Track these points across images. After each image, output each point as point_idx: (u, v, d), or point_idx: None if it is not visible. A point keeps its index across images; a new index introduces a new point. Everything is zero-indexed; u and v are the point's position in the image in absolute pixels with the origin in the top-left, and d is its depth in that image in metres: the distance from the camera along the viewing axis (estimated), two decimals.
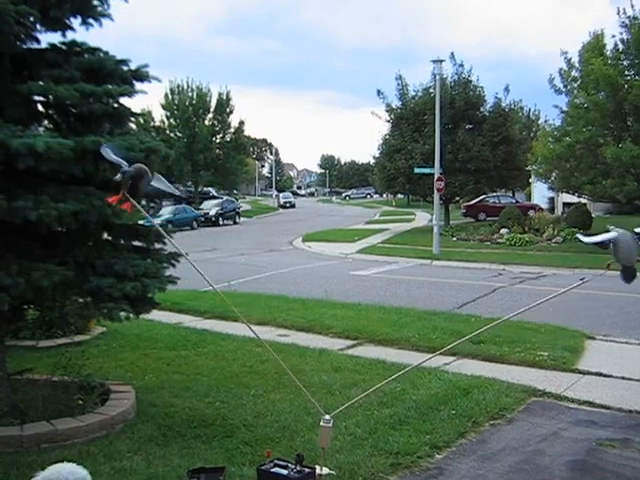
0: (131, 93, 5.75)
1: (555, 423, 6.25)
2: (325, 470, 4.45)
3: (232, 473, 4.63)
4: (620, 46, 24.41)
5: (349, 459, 4.94)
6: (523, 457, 5.35)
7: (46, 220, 4.75)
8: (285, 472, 4.20)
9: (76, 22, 6.02)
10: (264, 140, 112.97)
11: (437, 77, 26.76)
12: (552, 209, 41.95)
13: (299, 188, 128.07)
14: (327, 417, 4.55)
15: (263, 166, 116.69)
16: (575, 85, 25.56)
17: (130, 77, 5.90)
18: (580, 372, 8.11)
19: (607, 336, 10.37)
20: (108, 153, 4.72)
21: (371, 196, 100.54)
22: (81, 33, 6.11)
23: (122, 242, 6.11)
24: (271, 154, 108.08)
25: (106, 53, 5.94)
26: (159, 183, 5.12)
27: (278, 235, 34.82)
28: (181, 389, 6.81)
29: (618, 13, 24.38)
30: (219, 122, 53.59)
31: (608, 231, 4.61)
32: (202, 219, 41.10)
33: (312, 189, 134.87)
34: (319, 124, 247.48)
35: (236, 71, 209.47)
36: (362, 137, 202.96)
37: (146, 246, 6.20)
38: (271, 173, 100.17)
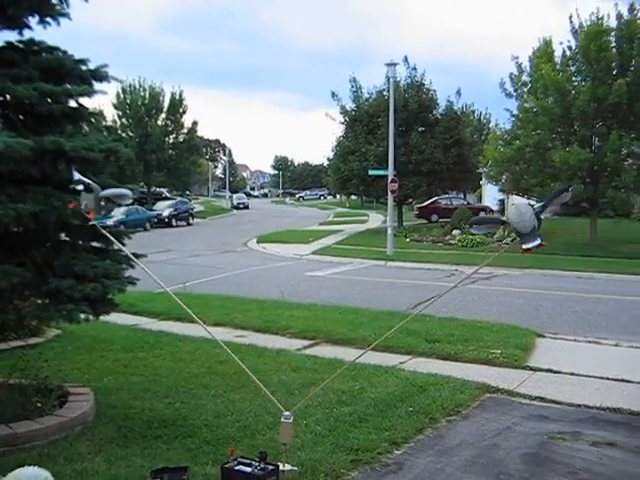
0: (90, 93, 5.70)
1: (508, 418, 6.45)
2: (287, 467, 4.52)
3: (195, 472, 4.65)
4: (568, 53, 25.18)
5: (310, 456, 5.02)
6: (479, 451, 5.52)
7: (4, 220, 4.70)
8: (249, 470, 4.25)
9: (33, 21, 5.96)
10: (217, 141, 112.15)
11: (391, 80, 27.09)
12: (502, 211, 42.80)
13: (252, 189, 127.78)
14: (287, 413, 4.63)
15: (216, 167, 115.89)
16: (525, 90, 26.23)
17: (89, 77, 5.86)
18: (531, 369, 8.36)
19: (556, 334, 10.70)
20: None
21: (325, 197, 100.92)
22: (37, 32, 6.06)
23: (81, 243, 6.04)
24: (224, 155, 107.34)
25: (64, 52, 5.88)
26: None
27: (232, 236, 34.70)
28: (140, 390, 6.78)
29: (570, 20, 25.17)
30: (172, 122, 53.13)
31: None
32: (155, 220, 40.63)
33: (265, 190, 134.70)
34: (272, 125, 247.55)
35: (188, 71, 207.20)
36: (316, 138, 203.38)
37: (105, 247, 6.16)
38: (224, 174, 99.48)
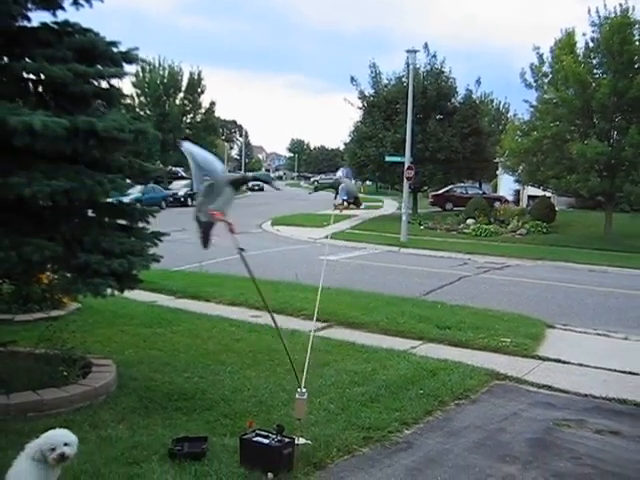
0: (122, 75, 5.88)
1: (516, 404, 6.63)
2: (302, 440, 4.74)
3: (214, 443, 4.88)
4: (590, 44, 25.01)
5: (324, 432, 5.22)
6: (486, 434, 5.71)
7: (39, 197, 4.90)
8: (267, 441, 4.46)
9: (67, 2, 6.14)
10: (233, 122, 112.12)
11: (411, 67, 27.06)
12: (517, 201, 42.73)
13: (267, 171, 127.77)
14: (302, 390, 4.84)
15: (232, 148, 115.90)
16: (545, 80, 26.10)
17: (120, 59, 6.03)
18: (540, 358, 8.52)
19: (566, 325, 10.83)
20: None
21: None
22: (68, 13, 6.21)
23: (107, 220, 6.25)
24: (240, 136, 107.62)
25: (97, 34, 6.04)
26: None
27: (247, 218, 34.81)
28: (160, 364, 7.02)
29: (589, 12, 24.98)
30: (190, 102, 53.29)
31: None
32: (171, 199, 40.87)
33: (280, 173, 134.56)
34: (289, 107, 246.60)
35: (205, 51, 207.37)
36: (332, 122, 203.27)
37: (130, 225, 6.37)
38: (240, 155, 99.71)
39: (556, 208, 31.22)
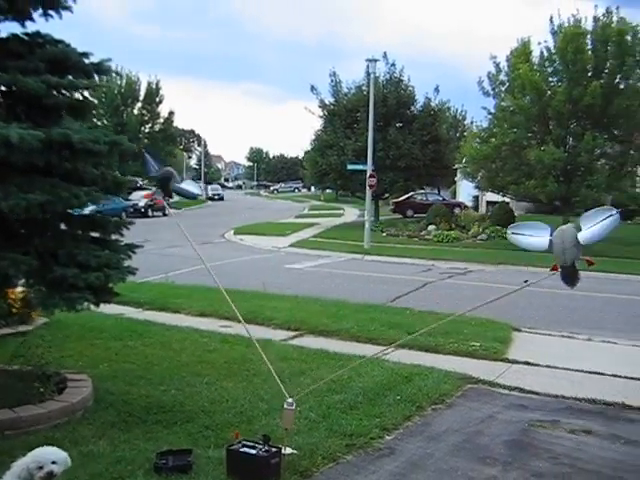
0: (94, 87, 5.84)
1: (490, 407, 6.75)
2: (288, 450, 4.76)
3: (198, 455, 4.85)
4: (545, 53, 25.64)
5: (307, 440, 5.24)
6: (464, 437, 5.80)
7: (16, 210, 4.83)
8: (254, 451, 4.47)
9: (36, 13, 6.06)
10: (192, 131, 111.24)
11: (372, 76, 27.36)
12: (476, 207, 43.44)
13: (227, 180, 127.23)
14: (290, 400, 4.86)
15: (190, 157, 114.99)
16: (502, 89, 26.64)
17: (92, 70, 5.99)
18: (509, 361, 8.70)
19: (532, 328, 11.08)
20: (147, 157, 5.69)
21: (299, 190, 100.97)
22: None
23: (80, 233, 6.18)
24: (199, 145, 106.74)
25: (68, 45, 5.99)
26: (187, 185, 5.94)
27: (210, 227, 34.67)
28: (134, 377, 6.94)
29: (551, 20, 25.62)
30: (148, 112, 52.82)
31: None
32: (131, 210, 40.33)
33: (240, 182, 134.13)
34: (247, 116, 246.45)
35: (161, 60, 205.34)
36: (291, 131, 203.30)
37: (103, 237, 6.31)
38: (199, 164, 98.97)
39: (515, 213, 31.83)
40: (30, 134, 4.80)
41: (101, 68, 6.03)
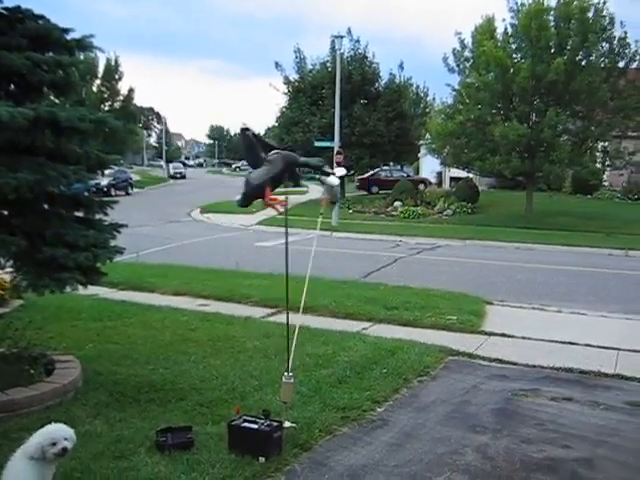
0: (79, 63, 5.72)
1: (473, 378, 6.93)
2: (287, 423, 4.84)
3: (197, 432, 4.88)
4: (510, 30, 25.86)
5: (303, 414, 5.32)
6: (453, 407, 5.96)
7: (5, 190, 4.74)
8: (256, 426, 4.52)
9: None
10: (151, 109, 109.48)
11: (338, 52, 27.28)
12: (440, 183, 43.91)
13: (187, 158, 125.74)
14: (289, 374, 4.93)
15: (150, 135, 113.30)
16: (467, 65, 26.82)
17: (74, 46, 5.86)
18: (486, 333, 8.91)
19: (503, 301, 11.33)
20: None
21: None
22: None
23: (64, 213, 6.08)
24: (159, 123, 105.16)
25: (48, 21, 5.85)
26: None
27: (175, 206, 34.42)
28: (120, 357, 6.91)
29: None
30: (107, 89, 51.75)
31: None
32: (94, 190, 39.52)
33: (201, 160, 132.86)
34: (207, 94, 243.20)
35: (120, 37, 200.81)
36: (253, 108, 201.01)
37: (87, 217, 6.23)
38: (159, 143, 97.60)
39: (479, 189, 32.26)
40: (19, 112, 4.70)
41: (82, 44, 5.90)
